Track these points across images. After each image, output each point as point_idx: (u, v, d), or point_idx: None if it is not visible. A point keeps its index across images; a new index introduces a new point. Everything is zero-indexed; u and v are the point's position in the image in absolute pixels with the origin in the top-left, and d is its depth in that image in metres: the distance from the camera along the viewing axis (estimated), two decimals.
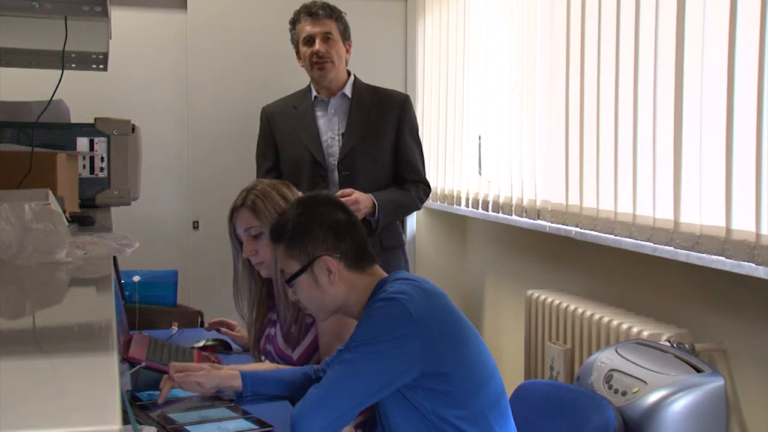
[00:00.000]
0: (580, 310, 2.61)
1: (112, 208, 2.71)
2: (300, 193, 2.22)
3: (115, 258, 2.00)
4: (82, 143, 2.62)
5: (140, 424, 1.68)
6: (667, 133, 2.24)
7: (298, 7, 3.12)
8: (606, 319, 2.46)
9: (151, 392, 1.92)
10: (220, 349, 2.40)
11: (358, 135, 3.05)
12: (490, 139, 3.46)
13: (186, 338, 2.47)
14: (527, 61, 3.09)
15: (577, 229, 2.72)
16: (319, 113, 3.12)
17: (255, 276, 2.27)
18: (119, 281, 2.39)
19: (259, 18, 4.09)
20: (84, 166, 2.62)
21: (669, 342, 2.22)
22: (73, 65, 2.50)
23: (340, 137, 3.06)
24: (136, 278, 2.64)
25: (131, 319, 2.46)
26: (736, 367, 2.13)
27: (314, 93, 3.13)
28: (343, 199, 2.68)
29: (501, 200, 3.29)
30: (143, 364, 1.97)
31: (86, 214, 2.23)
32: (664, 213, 2.27)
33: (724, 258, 2.03)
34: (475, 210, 3.55)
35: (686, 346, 2.17)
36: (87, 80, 3.29)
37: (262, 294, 2.30)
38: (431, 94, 4.12)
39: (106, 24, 2.19)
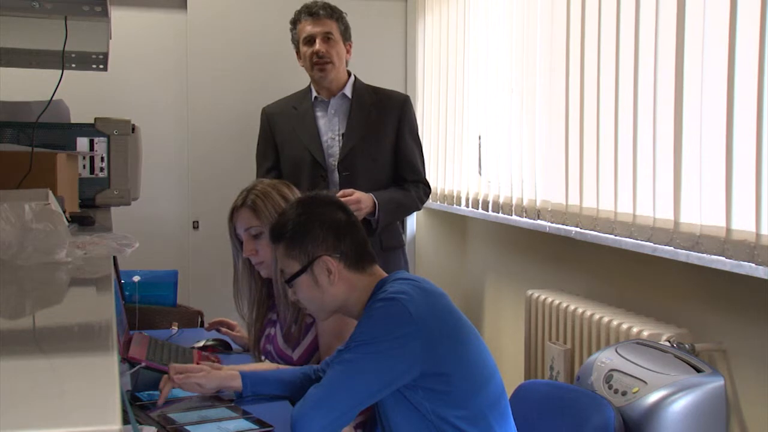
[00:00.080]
0: (580, 310, 2.61)
1: (112, 208, 2.71)
2: (300, 194, 2.22)
3: (115, 258, 2.00)
4: (82, 143, 2.62)
5: (140, 424, 1.68)
6: (667, 133, 2.24)
7: (298, 7, 3.12)
8: (606, 319, 2.46)
9: (151, 392, 1.92)
10: (220, 349, 2.40)
11: (358, 135, 3.05)
12: (490, 139, 3.46)
13: (186, 338, 2.47)
14: (527, 61, 3.09)
15: (577, 229, 2.72)
16: (319, 113, 3.12)
17: (255, 276, 2.27)
18: (119, 281, 2.39)
19: (259, 18, 4.09)
20: (84, 166, 2.62)
21: (669, 342, 2.22)
22: (73, 65, 2.50)
23: (340, 137, 3.06)
24: (136, 278, 2.64)
25: (131, 319, 2.46)
26: (736, 367, 2.13)
27: (314, 93, 3.13)
28: (344, 200, 2.69)
29: (501, 200, 3.29)
30: (143, 364, 1.97)
31: (86, 214, 2.23)
32: (664, 213, 2.27)
33: (724, 258, 2.03)
34: (475, 210, 3.55)
35: (686, 346, 2.17)
36: (87, 80, 3.29)
37: (262, 294, 2.30)
38: (431, 94, 4.11)
39: (106, 24, 2.19)
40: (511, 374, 3.23)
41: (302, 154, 3.06)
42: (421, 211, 3.71)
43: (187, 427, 1.70)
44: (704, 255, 2.10)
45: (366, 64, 3.66)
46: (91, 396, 0.74)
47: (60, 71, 2.09)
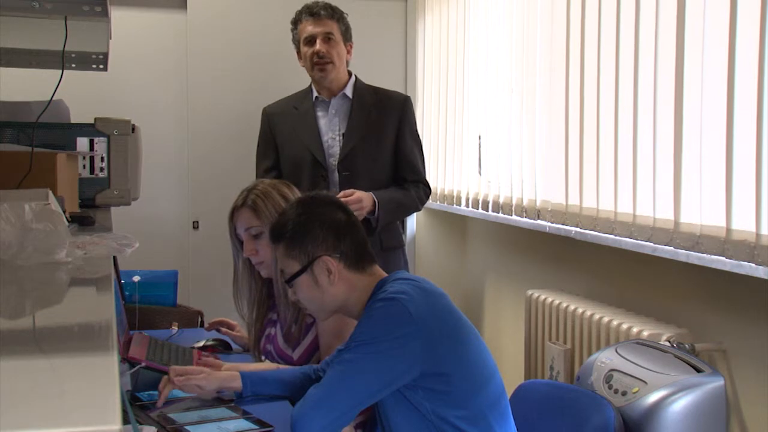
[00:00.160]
0: (580, 310, 2.61)
1: (112, 208, 2.71)
2: (300, 194, 2.21)
3: (115, 258, 2.00)
4: (82, 143, 2.62)
5: (140, 424, 1.68)
6: (667, 133, 2.24)
7: (298, 7, 3.12)
8: (606, 319, 2.46)
9: (151, 392, 1.92)
10: (220, 349, 2.40)
11: (358, 135, 3.05)
12: (490, 139, 3.46)
13: (186, 338, 2.47)
14: (527, 61, 3.09)
15: (577, 229, 2.72)
16: (320, 113, 3.12)
17: (255, 276, 2.27)
18: (119, 281, 2.39)
19: (259, 18, 4.09)
20: (84, 166, 2.62)
21: (669, 342, 2.22)
22: (73, 65, 2.50)
23: (341, 137, 3.06)
24: (136, 278, 2.64)
25: (131, 319, 2.46)
26: (736, 367, 2.13)
27: (315, 93, 3.13)
28: (345, 199, 2.69)
29: (501, 200, 3.29)
30: (143, 364, 1.97)
31: (86, 214, 2.23)
32: (664, 213, 2.27)
33: (724, 258, 2.03)
34: (475, 210, 3.55)
35: (686, 346, 2.17)
36: (87, 80, 3.29)
37: (262, 294, 2.30)
38: (431, 94, 4.11)
39: (106, 24, 2.19)
40: (511, 374, 3.23)
41: (303, 153, 3.06)
42: (421, 211, 3.71)
43: (187, 427, 1.70)
44: (704, 255, 2.10)
45: (366, 64, 3.66)
46: (91, 396, 0.74)
47: (60, 71, 2.09)
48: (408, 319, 1.67)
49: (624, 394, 2.08)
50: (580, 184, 2.69)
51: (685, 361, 2.11)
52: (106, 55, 2.43)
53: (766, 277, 1.93)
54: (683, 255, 2.19)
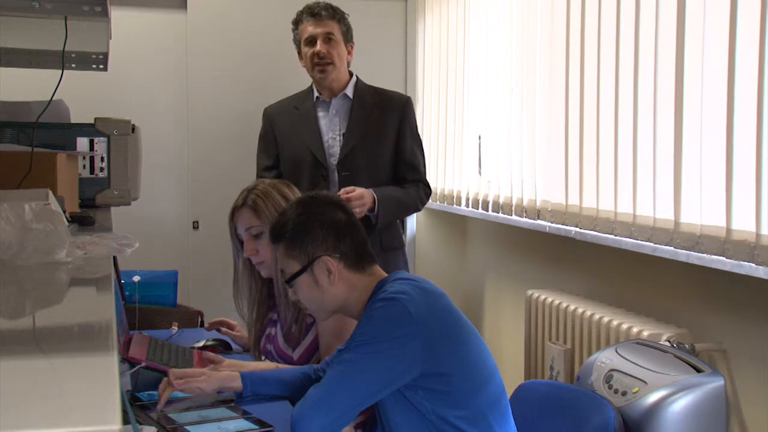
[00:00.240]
0: (580, 310, 2.61)
1: (112, 208, 2.71)
2: (300, 193, 2.21)
3: (115, 258, 2.00)
4: (82, 143, 2.62)
5: (140, 424, 1.68)
6: (668, 133, 2.24)
7: (298, 7, 3.12)
8: (606, 319, 2.46)
9: (151, 392, 1.92)
10: (220, 349, 2.40)
11: (358, 135, 3.05)
12: (490, 139, 3.46)
13: (186, 338, 2.47)
14: (527, 61, 3.09)
15: (577, 229, 2.72)
16: (320, 113, 3.12)
17: (255, 276, 2.27)
18: (119, 281, 2.39)
19: (259, 18, 4.09)
20: (84, 166, 2.62)
21: (669, 342, 2.22)
22: (73, 65, 2.50)
23: (341, 137, 3.06)
24: (136, 278, 2.64)
25: (131, 319, 2.46)
26: (736, 367, 2.13)
27: (316, 93, 3.13)
28: (347, 195, 2.70)
29: (501, 200, 3.29)
30: (143, 364, 1.97)
31: (86, 214, 2.23)
32: (664, 213, 2.27)
33: (724, 258, 2.03)
34: (475, 210, 3.55)
35: (686, 346, 2.17)
36: (87, 80, 3.29)
37: (262, 294, 2.30)
38: (431, 94, 4.11)
39: (106, 24, 2.18)
40: (511, 374, 3.23)
41: (303, 153, 3.06)
42: (421, 211, 3.71)
43: (187, 427, 1.70)
44: (704, 255, 2.10)
45: (366, 64, 3.66)
46: (91, 396, 0.74)
47: (60, 71, 2.09)
48: (408, 319, 1.67)
49: (624, 394, 2.08)
50: (580, 184, 2.69)
51: (685, 361, 2.11)
52: (106, 55, 2.43)
53: (766, 277, 1.93)
54: (683, 255, 2.19)
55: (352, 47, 3.13)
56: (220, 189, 3.70)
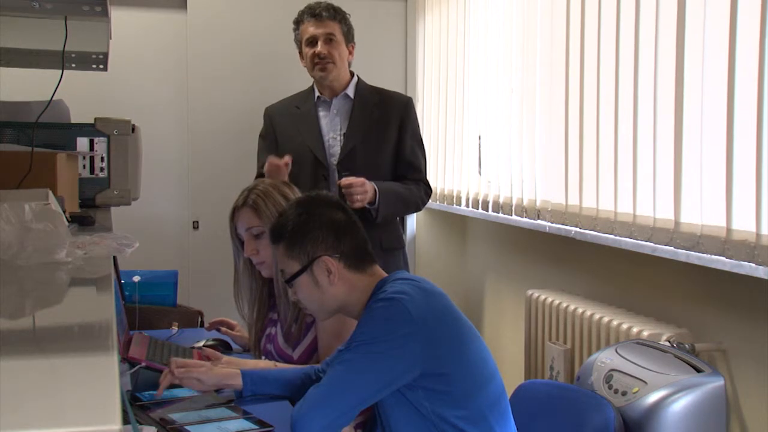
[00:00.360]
0: (580, 310, 2.61)
1: (112, 208, 2.71)
2: (301, 193, 2.21)
3: (115, 258, 2.00)
4: (82, 143, 2.62)
5: (140, 424, 1.68)
6: (668, 133, 2.24)
7: (298, 8, 3.12)
8: (606, 319, 2.46)
9: (151, 392, 1.92)
10: (221, 348, 2.39)
11: (359, 135, 3.05)
12: (490, 139, 3.46)
13: (186, 338, 2.47)
14: (527, 61, 3.09)
15: (577, 229, 2.72)
16: (321, 113, 3.12)
17: (256, 276, 2.27)
18: (119, 281, 2.39)
19: (259, 18, 4.09)
20: (84, 166, 2.62)
21: (669, 342, 2.22)
22: (73, 65, 2.50)
23: (342, 137, 3.07)
24: (136, 278, 2.64)
25: (131, 319, 2.46)
26: (736, 367, 2.13)
27: (317, 93, 3.13)
28: (349, 181, 2.71)
29: (501, 200, 3.29)
30: (143, 364, 1.97)
31: (86, 214, 2.23)
32: (664, 213, 2.27)
33: (724, 258, 2.03)
34: (475, 210, 3.55)
35: (686, 346, 2.17)
36: (87, 80, 3.29)
37: (262, 293, 2.30)
38: (431, 94, 4.11)
39: (106, 24, 2.18)
40: (511, 374, 3.23)
41: (304, 153, 3.06)
42: (421, 211, 3.71)
43: (187, 427, 1.70)
44: (704, 255, 2.10)
45: (366, 64, 3.66)
46: (91, 396, 0.74)
47: (60, 71, 2.09)
48: (408, 319, 1.67)
49: (624, 394, 2.08)
50: (579, 184, 2.69)
51: (685, 361, 2.11)
52: (106, 55, 2.43)
53: (766, 277, 1.93)
54: (683, 255, 2.19)
55: (353, 47, 3.13)
56: (220, 189, 3.70)
